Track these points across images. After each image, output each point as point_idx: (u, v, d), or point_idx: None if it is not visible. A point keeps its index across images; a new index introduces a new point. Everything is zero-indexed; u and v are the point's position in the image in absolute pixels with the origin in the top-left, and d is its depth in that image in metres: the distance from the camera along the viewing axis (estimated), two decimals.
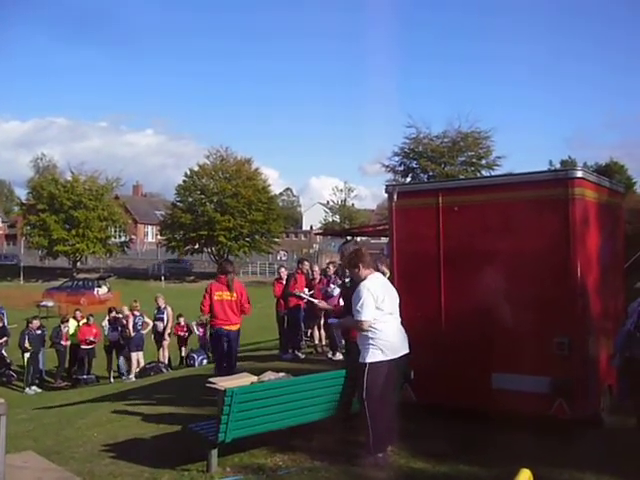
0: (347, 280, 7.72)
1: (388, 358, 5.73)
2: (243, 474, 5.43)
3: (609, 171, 42.24)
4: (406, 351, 5.93)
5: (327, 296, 11.59)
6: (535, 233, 6.62)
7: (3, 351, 18.63)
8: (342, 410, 6.23)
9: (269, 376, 5.78)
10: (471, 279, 6.89)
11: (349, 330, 6.70)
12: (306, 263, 13.79)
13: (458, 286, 6.96)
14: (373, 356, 5.68)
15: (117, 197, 62.32)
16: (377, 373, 5.67)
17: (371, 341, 5.68)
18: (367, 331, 5.65)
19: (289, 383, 5.68)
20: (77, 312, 17.31)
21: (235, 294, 8.41)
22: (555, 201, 6.52)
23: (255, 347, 17.10)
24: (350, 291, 6.41)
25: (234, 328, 8.41)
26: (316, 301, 6.87)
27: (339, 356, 11.46)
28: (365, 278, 5.86)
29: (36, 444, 6.80)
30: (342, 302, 7.52)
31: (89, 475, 5.19)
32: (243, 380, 5.64)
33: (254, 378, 5.75)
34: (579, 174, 6.53)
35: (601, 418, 6.80)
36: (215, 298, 8.32)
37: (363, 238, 11.58)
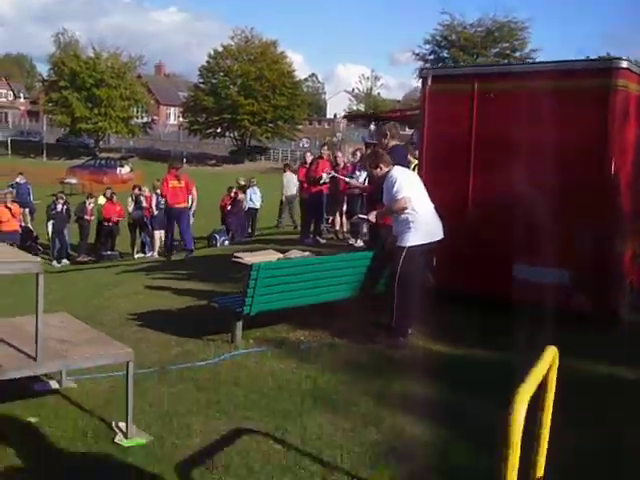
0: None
1: (426, 242, 5.79)
2: (266, 346, 5.62)
3: None
4: (441, 236, 5.96)
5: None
6: (572, 124, 6.41)
7: (30, 225, 19.05)
8: (366, 291, 6.33)
9: (295, 254, 5.86)
10: (501, 168, 6.77)
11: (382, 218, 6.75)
12: (326, 147, 13.64)
13: (487, 174, 6.86)
14: (412, 240, 5.72)
15: (139, 76, 61.26)
16: (413, 257, 5.73)
17: (410, 224, 5.71)
18: (405, 209, 5.67)
19: (315, 261, 5.76)
20: (108, 190, 17.50)
21: (182, 182, 12.25)
22: (596, 92, 6.28)
23: (275, 231, 17.32)
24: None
25: (182, 205, 12.31)
26: (347, 179, 6.74)
27: (360, 243, 11.57)
28: (391, 169, 5.88)
29: (67, 310, 7.04)
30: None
31: (119, 339, 5.39)
32: (269, 256, 5.73)
33: (280, 255, 5.83)
34: (624, 64, 6.24)
35: (620, 314, 6.87)
36: (169, 186, 12.07)
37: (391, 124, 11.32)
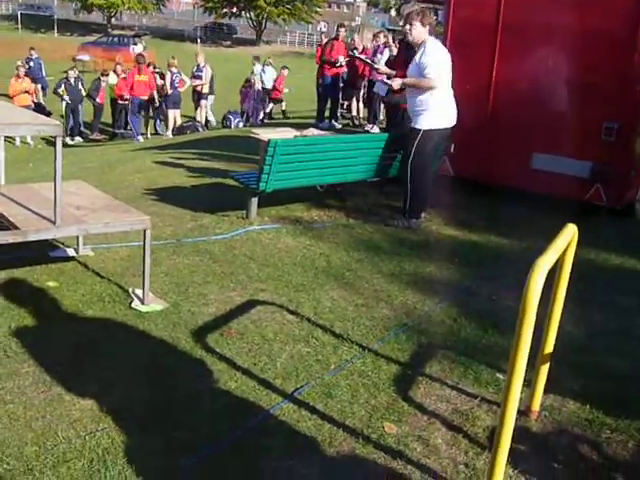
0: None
1: (442, 127, 5.68)
2: (280, 224, 5.64)
3: None
4: (454, 123, 5.83)
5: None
6: (602, 9, 6.11)
7: (42, 101, 18.80)
8: (380, 174, 6.27)
9: (312, 131, 5.77)
10: (527, 54, 6.51)
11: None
12: (343, 29, 13.13)
13: (512, 60, 6.61)
14: (428, 123, 5.61)
15: None
16: (428, 140, 5.64)
17: (429, 106, 5.58)
18: (431, 89, 5.52)
19: (332, 140, 5.68)
20: (118, 66, 17.02)
21: (146, 76, 14.95)
22: None
23: (292, 115, 17.06)
24: (410, 52, 6.19)
25: (145, 96, 15.05)
26: (376, 65, 6.48)
27: (376, 129, 11.38)
28: (426, 41, 5.62)
29: None
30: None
31: None
32: (286, 133, 5.64)
33: (297, 132, 5.74)
34: None
35: (635, 209, 6.82)
36: (135, 79, 14.96)
37: (417, 5, 10.84)
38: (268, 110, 17.33)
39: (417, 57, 5.65)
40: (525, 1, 6.52)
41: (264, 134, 5.54)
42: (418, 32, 5.63)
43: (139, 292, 3.99)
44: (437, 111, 5.61)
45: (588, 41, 6.16)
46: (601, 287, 4.71)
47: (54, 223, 3.61)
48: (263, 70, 17.63)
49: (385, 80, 6.07)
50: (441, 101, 5.61)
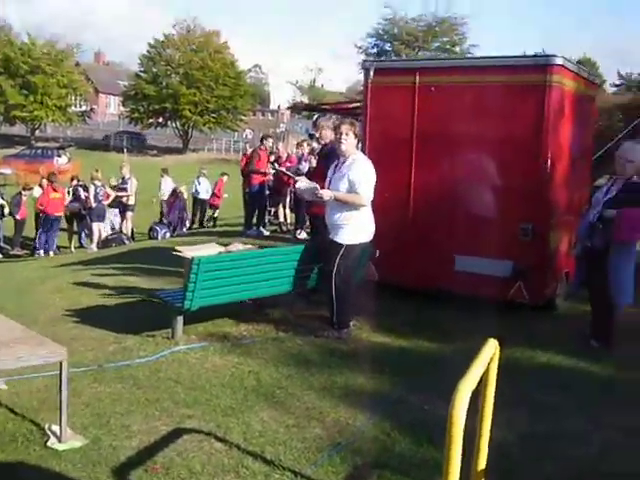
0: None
1: (363, 241, 5.74)
2: (208, 341, 5.52)
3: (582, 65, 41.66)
4: (372, 236, 5.90)
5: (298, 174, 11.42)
6: (509, 118, 6.54)
7: None
8: (303, 285, 6.26)
9: (237, 246, 5.77)
10: (442, 162, 6.84)
11: (315, 205, 6.64)
12: (269, 140, 13.52)
13: (429, 168, 6.91)
14: (351, 237, 5.64)
15: (78, 64, 59.41)
16: (351, 253, 5.66)
17: (353, 221, 5.61)
18: (361, 207, 5.58)
19: (256, 255, 5.68)
20: (43, 180, 16.87)
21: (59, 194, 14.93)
22: (532, 87, 6.40)
23: (221, 223, 17.15)
24: (328, 160, 6.31)
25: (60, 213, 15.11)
26: (297, 178, 6.21)
27: (303, 234, 11.54)
28: (357, 155, 5.74)
29: None
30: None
31: (53, 338, 5.13)
32: (210, 249, 5.62)
33: (221, 248, 5.73)
34: (559, 61, 6.37)
35: (556, 303, 7.05)
36: (50, 196, 14.94)
37: (333, 116, 11.35)
38: (205, 217, 17.48)
39: (346, 170, 5.63)
40: (437, 110, 6.85)
41: (188, 251, 5.51)
42: (350, 144, 5.67)
43: (56, 429, 3.76)
44: (360, 225, 5.66)
45: (499, 147, 6.55)
46: (529, 387, 4.76)
47: None
48: (198, 181, 17.89)
49: (314, 192, 5.78)
50: (363, 215, 5.68)
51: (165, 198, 16.86)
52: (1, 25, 54.27)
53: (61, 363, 3.66)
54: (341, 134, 5.65)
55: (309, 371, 4.96)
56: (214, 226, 17.02)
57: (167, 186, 17.20)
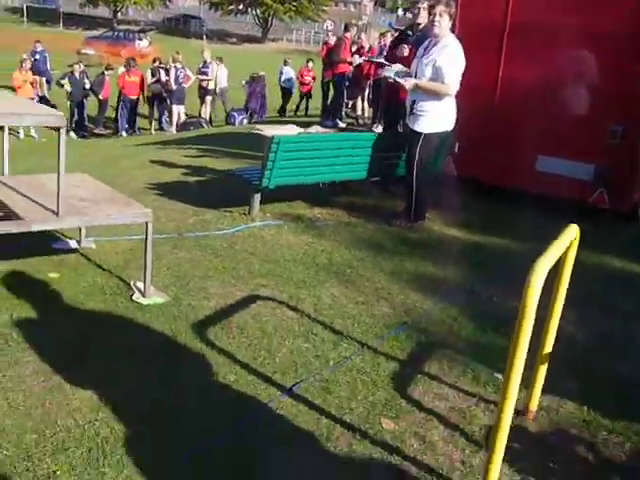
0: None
1: (442, 130, 5.62)
2: (283, 221, 5.65)
3: None
4: (453, 126, 5.76)
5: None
6: (610, 13, 6.11)
7: (46, 94, 18.77)
8: (384, 173, 6.26)
9: (317, 128, 5.77)
10: (534, 55, 6.50)
11: (396, 92, 6.47)
12: (354, 28, 13.12)
13: (519, 61, 6.59)
14: (431, 126, 5.53)
15: None
16: (431, 144, 5.59)
17: (434, 110, 5.49)
18: (446, 96, 5.43)
19: (336, 138, 5.69)
20: (127, 62, 17.06)
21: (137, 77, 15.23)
22: None
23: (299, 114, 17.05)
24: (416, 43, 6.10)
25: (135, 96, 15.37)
26: (390, 74, 5.91)
27: (380, 129, 11.37)
28: (449, 39, 5.46)
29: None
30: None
31: None
32: (290, 130, 5.64)
33: (301, 130, 5.75)
34: None
35: (638, 213, 6.81)
36: (126, 79, 15.20)
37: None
38: (296, 105, 17.35)
39: (435, 55, 5.42)
40: (534, 2, 6.49)
41: (268, 131, 5.55)
42: (444, 26, 5.39)
43: (140, 285, 4.00)
44: (440, 114, 5.54)
45: (595, 44, 6.15)
46: (602, 290, 4.71)
47: (57, 214, 3.62)
48: (283, 70, 17.66)
49: (397, 79, 5.70)
50: (446, 105, 5.54)
51: (223, 85, 16.67)
52: None
53: (147, 224, 3.84)
54: (435, 15, 5.36)
55: (380, 255, 5.04)
56: (305, 115, 16.77)
57: (222, 74, 16.98)
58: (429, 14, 5.71)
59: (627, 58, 6.09)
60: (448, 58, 5.38)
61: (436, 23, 5.38)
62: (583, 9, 6.21)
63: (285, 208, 6.03)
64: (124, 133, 15.46)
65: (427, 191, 5.81)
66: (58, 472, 2.43)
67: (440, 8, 5.35)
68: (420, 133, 5.56)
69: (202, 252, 4.80)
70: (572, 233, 2.55)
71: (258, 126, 5.81)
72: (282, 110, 17.46)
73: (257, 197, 5.57)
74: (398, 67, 5.83)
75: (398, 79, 5.72)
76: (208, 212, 5.76)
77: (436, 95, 5.47)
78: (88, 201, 3.93)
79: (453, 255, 5.17)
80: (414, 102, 5.60)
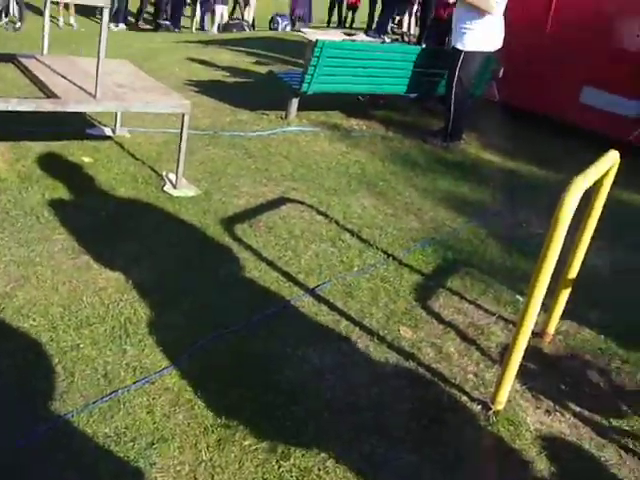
0: None
1: (485, 50, 5.44)
2: (319, 128, 5.59)
3: None
4: (499, 47, 5.59)
5: None
6: None
7: None
8: (425, 90, 6.11)
9: (362, 38, 5.61)
10: None
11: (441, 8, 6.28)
12: None
13: None
14: (471, 44, 5.36)
15: None
16: (471, 62, 5.42)
17: (476, 27, 5.31)
18: (486, 12, 5.24)
19: (380, 48, 5.53)
20: None
21: None
22: None
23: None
24: None
25: None
26: None
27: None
28: None
29: None
30: None
31: None
32: (335, 36, 5.50)
33: (346, 37, 5.59)
34: None
35: None
36: None
37: None
38: (343, 17, 16.76)
39: None
40: None
41: (312, 35, 5.40)
42: None
43: (172, 177, 4.03)
44: (482, 33, 5.35)
45: None
46: (632, 228, 4.64)
47: (94, 97, 3.61)
48: None
49: None
50: (489, 23, 5.34)
51: None
52: None
53: (183, 115, 3.82)
54: None
55: (414, 171, 4.99)
56: (351, 27, 16.28)
57: None
58: None
59: None
60: None
61: None
62: None
63: (322, 116, 5.95)
64: (169, 24, 15.11)
65: (465, 112, 5.69)
66: (81, 345, 2.51)
67: None
68: (461, 51, 5.40)
69: (236, 151, 4.79)
70: (612, 159, 2.48)
71: (303, 29, 5.63)
72: (328, 22, 16.95)
73: (295, 101, 5.50)
74: None
75: None
76: (245, 112, 5.71)
77: (479, 12, 5.27)
78: (126, 87, 3.91)
79: (487, 178, 5.11)
80: (457, 19, 5.42)
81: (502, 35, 5.56)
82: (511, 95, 6.80)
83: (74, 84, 3.82)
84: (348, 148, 5.22)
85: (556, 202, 2.09)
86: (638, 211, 5.05)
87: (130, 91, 3.86)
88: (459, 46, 5.42)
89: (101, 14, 3.47)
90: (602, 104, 6.32)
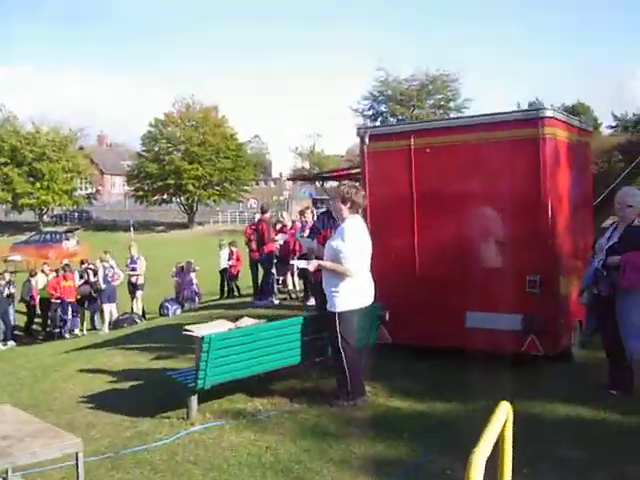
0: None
1: (357, 307, 5.65)
2: (224, 419, 5.47)
3: (575, 112, 42.49)
4: (370, 303, 5.86)
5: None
6: (507, 173, 6.63)
7: None
8: (315, 354, 6.23)
9: (246, 322, 5.78)
10: (444, 220, 6.91)
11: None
12: (269, 209, 13.97)
13: (431, 227, 6.98)
14: (344, 305, 5.60)
15: (82, 148, 61.06)
16: (349, 321, 5.61)
17: (341, 289, 5.60)
18: (345, 276, 5.60)
19: (265, 328, 5.69)
20: (45, 266, 17.06)
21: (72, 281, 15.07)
22: (526, 141, 6.53)
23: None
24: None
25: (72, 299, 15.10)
26: (304, 264, 6.22)
27: (312, 301, 11.52)
28: (345, 222, 5.73)
29: (11, 399, 6.75)
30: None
31: (68, 426, 5.19)
32: (220, 327, 5.64)
33: (231, 325, 5.75)
34: (549, 113, 6.53)
35: (571, 353, 6.98)
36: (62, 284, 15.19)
37: (334, 183, 11.57)
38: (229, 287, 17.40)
39: (335, 237, 5.75)
40: (435, 173, 6.96)
41: (198, 329, 5.53)
42: (338, 210, 5.77)
43: None
44: (351, 292, 5.61)
45: (498, 202, 6.63)
46: (551, 441, 4.68)
47: None
48: (220, 253, 17.91)
49: (299, 263, 6.36)
50: (354, 282, 5.62)
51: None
52: (7, 117, 55.92)
53: (77, 454, 3.64)
54: (334, 199, 5.82)
55: (327, 443, 4.90)
56: (238, 295, 16.83)
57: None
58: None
59: (528, 211, 6.52)
60: (342, 240, 5.62)
61: (336, 214, 5.85)
62: (482, 172, 6.72)
63: (225, 404, 5.87)
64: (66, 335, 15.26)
65: (359, 367, 5.76)
66: None
67: (335, 194, 5.84)
68: (334, 313, 5.62)
69: (141, 470, 4.54)
70: (503, 413, 2.55)
71: (188, 327, 5.75)
72: (222, 293, 17.56)
73: (194, 399, 5.43)
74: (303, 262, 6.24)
75: (302, 265, 6.18)
76: (145, 421, 5.54)
77: (340, 275, 5.62)
78: (12, 438, 3.72)
79: (400, 429, 5.09)
80: (325, 283, 5.77)
81: (372, 287, 5.86)
82: (402, 335, 7.07)
83: None
84: (257, 435, 5.09)
85: (473, 438, 2.08)
86: (552, 422, 5.13)
87: (16, 442, 3.67)
88: (332, 309, 5.64)
89: None
90: (487, 324, 6.69)
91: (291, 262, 6.26)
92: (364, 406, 5.73)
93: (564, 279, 6.79)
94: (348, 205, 5.71)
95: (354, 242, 5.61)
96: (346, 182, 6.29)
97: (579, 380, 6.32)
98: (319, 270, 5.94)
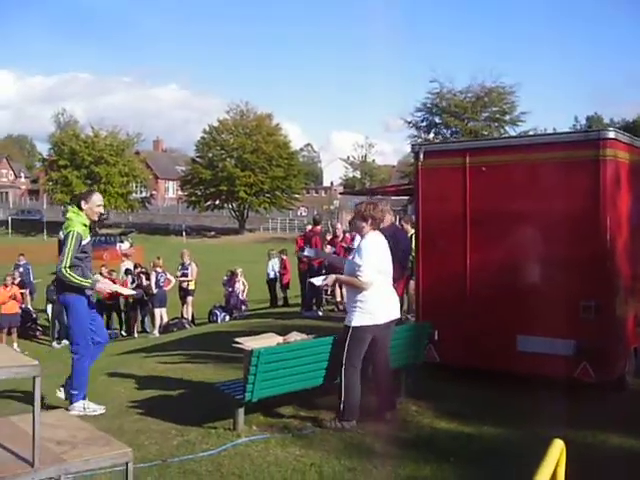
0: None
1: (374, 323, 5.55)
2: (269, 433, 5.50)
3: (636, 127, 41.43)
4: (397, 316, 5.80)
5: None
6: (565, 194, 6.51)
7: (29, 306, 18.96)
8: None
9: (294, 337, 5.80)
10: (498, 240, 6.82)
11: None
12: (321, 221, 13.98)
13: (484, 247, 6.90)
14: (359, 320, 5.53)
15: (138, 152, 62.59)
16: (360, 338, 5.54)
17: (359, 304, 5.54)
18: (363, 290, 5.53)
19: (314, 344, 5.70)
20: (103, 268, 17.46)
21: None
22: (586, 162, 6.40)
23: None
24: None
25: None
26: (321, 280, 6.14)
27: None
28: (364, 238, 5.71)
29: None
30: None
31: (119, 432, 5.29)
32: (269, 340, 5.67)
33: (280, 339, 5.78)
34: (611, 135, 6.39)
35: (626, 381, 6.78)
36: None
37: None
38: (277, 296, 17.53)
39: (353, 255, 5.75)
40: (490, 192, 6.87)
41: (247, 342, 5.57)
42: (360, 228, 5.75)
43: None
44: (367, 308, 5.52)
45: (556, 224, 6.50)
46: (607, 475, 4.54)
47: (32, 465, 3.49)
48: (269, 263, 18.00)
49: (315, 280, 6.22)
50: (373, 297, 5.53)
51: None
52: (67, 121, 57.76)
53: (127, 464, 3.71)
54: (354, 219, 5.90)
55: (371, 463, 4.87)
56: (287, 305, 16.88)
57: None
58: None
59: (587, 234, 6.37)
60: (359, 254, 5.59)
61: (356, 232, 5.96)
62: (539, 193, 6.60)
63: (271, 417, 5.90)
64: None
65: (357, 390, 5.58)
66: None
67: (357, 219, 5.77)
68: (347, 327, 5.57)
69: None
70: (556, 451, 2.50)
71: (238, 339, 5.80)
72: (274, 303, 17.62)
73: (241, 411, 5.47)
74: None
75: (318, 282, 6.16)
76: (192, 430, 5.60)
77: (357, 289, 5.59)
78: (66, 444, 3.81)
79: (446, 453, 5.02)
80: (347, 297, 5.80)
81: (397, 304, 5.81)
82: (450, 355, 7.01)
83: (10, 451, 3.70)
84: (302, 450, 5.09)
85: (524, 466, 2.04)
86: (605, 454, 4.98)
87: (69, 449, 3.75)
88: (347, 322, 5.61)
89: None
90: (538, 348, 6.56)
91: (309, 280, 6.17)
92: (411, 426, 5.68)
93: (620, 305, 6.62)
94: (369, 222, 5.71)
95: (371, 256, 5.55)
96: (364, 200, 6.34)
97: (634, 409, 6.14)
98: None
